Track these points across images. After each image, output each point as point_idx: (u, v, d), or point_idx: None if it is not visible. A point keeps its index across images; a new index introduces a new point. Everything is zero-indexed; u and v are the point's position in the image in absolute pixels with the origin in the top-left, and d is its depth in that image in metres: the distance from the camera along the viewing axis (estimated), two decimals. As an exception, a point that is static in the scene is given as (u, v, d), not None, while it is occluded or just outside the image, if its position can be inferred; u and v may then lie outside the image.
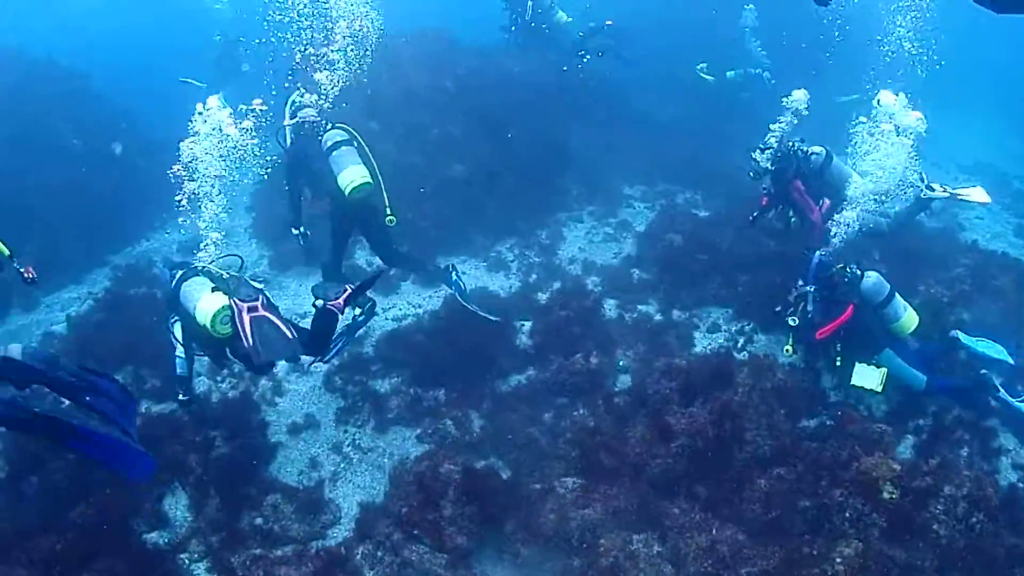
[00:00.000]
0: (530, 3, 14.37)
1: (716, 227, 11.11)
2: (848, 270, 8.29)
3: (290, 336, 6.89)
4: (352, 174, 8.31)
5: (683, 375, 8.07)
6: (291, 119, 8.84)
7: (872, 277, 8.28)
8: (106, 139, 14.50)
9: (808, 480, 7.13)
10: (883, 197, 9.10)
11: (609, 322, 9.88)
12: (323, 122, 8.76)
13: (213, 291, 7.04)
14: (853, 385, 8.12)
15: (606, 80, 15.34)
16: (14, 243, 11.80)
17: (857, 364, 8.12)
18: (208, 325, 6.85)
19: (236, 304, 6.85)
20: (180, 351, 7.28)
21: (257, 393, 9.14)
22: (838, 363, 8.23)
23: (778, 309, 8.54)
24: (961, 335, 8.58)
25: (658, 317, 10.06)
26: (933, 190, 9.38)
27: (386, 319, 10.30)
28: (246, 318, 6.77)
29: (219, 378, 9.37)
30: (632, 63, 14.97)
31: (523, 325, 9.80)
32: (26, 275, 7.56)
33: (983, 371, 8.31)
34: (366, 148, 8.62)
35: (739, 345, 9.48)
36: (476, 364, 9.08)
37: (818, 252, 8.49)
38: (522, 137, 12.92)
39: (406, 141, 12.33)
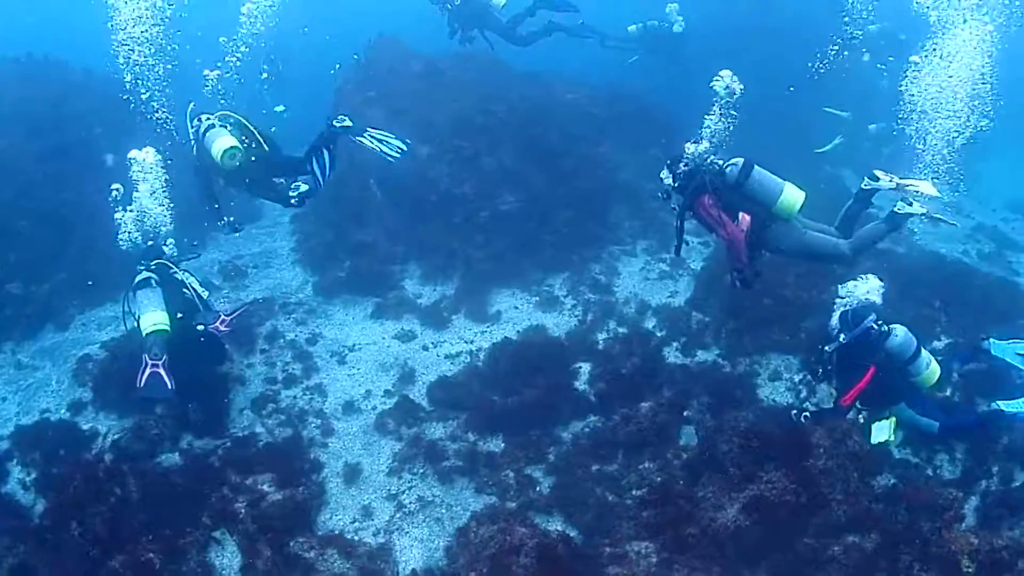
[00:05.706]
0: None
1: (779, 270, 10.67)
2: (877, 326, 7.78)
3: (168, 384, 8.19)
4: (218, 145, 8.36)
5: (756, 435, 7.69)
6: (192, 129, 8.95)
7: (900, 334, 7.76)
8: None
9: (884, 550, 6.93)
10: None
11: (671, 368, 9.49)
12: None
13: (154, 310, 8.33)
14: (873, 444, 7.72)
15: (656, 105, 14.99)
16: (49, 256, 11.60)
17: (873, 425, 7.71)
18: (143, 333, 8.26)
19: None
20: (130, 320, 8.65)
21: (306, 433, 8.82)
22: (861, 421, 7.77)
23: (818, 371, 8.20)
24: (994, 342, 8.22)
25: (722, 365, 9.68)
26: (877, 179, 8.13)
27: (438, 356, 9.96)
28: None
29: (264, 414, 9.07)
30: (577, 34, 14.85)
31: None
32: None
33: (993, 404, 7.95)
34: (244, 121, 8.74)
35: (802, 397, 9.04)
36: (535, 410, 8.74)
37: (872, 316, 7.79)
38: (574, 167, 12.55)
39: (458, 169, 12.00)
